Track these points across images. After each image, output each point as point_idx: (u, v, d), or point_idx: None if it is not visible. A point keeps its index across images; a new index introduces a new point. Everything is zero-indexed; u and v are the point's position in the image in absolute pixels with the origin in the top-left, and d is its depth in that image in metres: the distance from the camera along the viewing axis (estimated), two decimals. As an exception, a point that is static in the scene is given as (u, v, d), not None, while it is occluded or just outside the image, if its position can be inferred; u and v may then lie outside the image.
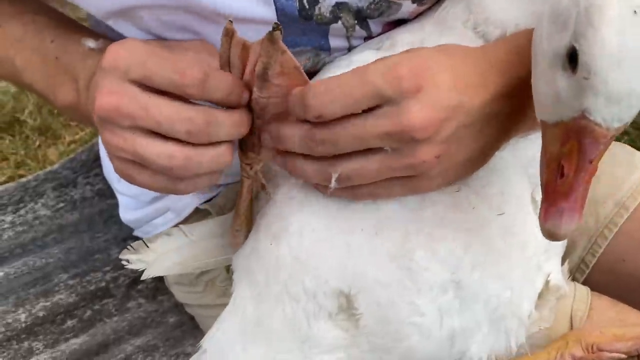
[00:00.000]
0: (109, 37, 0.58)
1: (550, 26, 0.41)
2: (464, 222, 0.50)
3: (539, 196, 0.53)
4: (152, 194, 0.73)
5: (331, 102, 0.44)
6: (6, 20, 0.59)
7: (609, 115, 0.39)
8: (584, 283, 0.69)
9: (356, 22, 0.57)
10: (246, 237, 0.54)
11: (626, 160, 0.70)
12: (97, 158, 0.82)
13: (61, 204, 0.82)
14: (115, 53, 0.45)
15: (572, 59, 0.39)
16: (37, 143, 1.51)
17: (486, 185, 0.51)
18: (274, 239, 0.51)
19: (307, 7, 0.55)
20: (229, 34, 0.46)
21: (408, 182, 0.47)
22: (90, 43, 0.55)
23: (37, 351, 0.74)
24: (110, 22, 0.57)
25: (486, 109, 0.46)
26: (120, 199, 0.77)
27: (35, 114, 1.56)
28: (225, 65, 0.48)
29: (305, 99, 0.44)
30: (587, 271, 0.69)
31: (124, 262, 0.54)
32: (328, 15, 0.56)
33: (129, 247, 0.56)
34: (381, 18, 0.58)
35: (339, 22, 0.56)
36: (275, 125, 0.48)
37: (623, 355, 0.50)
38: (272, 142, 0.48)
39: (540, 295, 0.53)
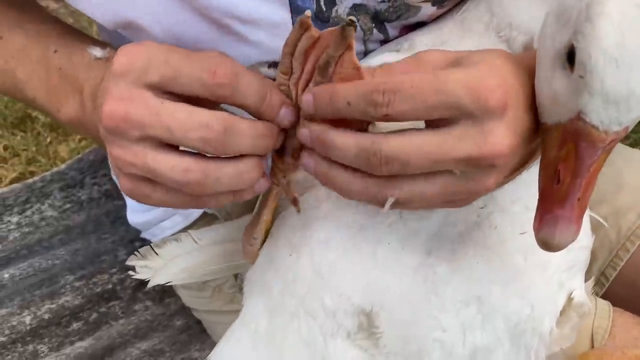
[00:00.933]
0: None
1: (555, 24, 0.39)
2: (485, 239, 0.48)
3: None
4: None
5: (401, 101, 0.39)
6: (9, 29, 0.56)
7: (606, 117, 0.36)
8: (604, 297, 0.67)
9: (374, 25, 0.55)
10: (261, 246, 0.53)
11: None
12: (105, 158, 0.81)
13: (68, 205, 0.81)
14: (130, 53, 0.41)
15: (570, 57, 0.37)
16: (49, 139, 1.51)
17: (513, 201, 0.49)
18: (295, 250, 0.49)
19: (324, 9, 0.53)
20: (303, 26, 0.42)
21: (454, 203, 0.43)
22: (97, 52, 0.51)
23: (42, 354, 0.73)
24: (120, 31, 0.54)
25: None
26: (128, 201, 0.75)
27: (46, 111, 1.55)
28: (288, 54, 0.43)
29: (372, 93, 0.39)
30: (607, 284, 0.67)
31: (130, 272, 0.53)
32: (345, 17, 0.54)
33: (136, 253, 0.54)
34: (399, 21, 0.56)
35: (357, 24, 0.54)
36: (325, 128, 0.42)
37: None
38: (313, 144, 0.43)
39: (563, 313, 0.52)
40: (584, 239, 0.52)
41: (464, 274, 0.47)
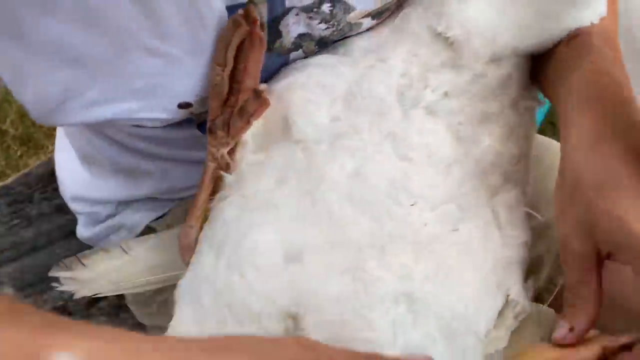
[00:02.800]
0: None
1: None
2: (415, 236, 0.47)
3: (500, 207, 0.50)
4: (106, 212, 0.71)
5: None
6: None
7: None
8: (554, 304, 0.66)
9: (317, 47, 0.55)
10: (197, 239, 0.51)
11: None
12: (54, 172, 0.80)
13: (16, 220, 0.79)
14: None
15: None
16: (19, 153, 1.50)
17: (444, 199, 0.49)
18: (222, 255, 0.48)
19: (267, 39, 0.52)
20: (236, 23, 0.48)
21: None
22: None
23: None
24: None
25: None
26: (77, 216, 0.74)
27: (17, 124, 1.54)
28: (222, 48, 0.48)
29: None
30: (556, 290, 0.66)
31: (53, 284, 0.51)
32: (290, 46, 0.54)
33: (60, 263, 0.53)
34: (342, 39, 0.56)
35: (300, 50, 0.55)
36: None
37: None
38: None
39: (500, 314, 0.50)
40: (522, 234, 0.51)
41: (394, 272, 0.46)
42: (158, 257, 0.55)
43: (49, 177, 0.81)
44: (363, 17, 0.55)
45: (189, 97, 0.51)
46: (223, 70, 0.49)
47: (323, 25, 0.53)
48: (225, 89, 0.50)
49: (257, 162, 0.50)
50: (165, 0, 0.46)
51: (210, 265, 0.48)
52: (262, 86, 0.51)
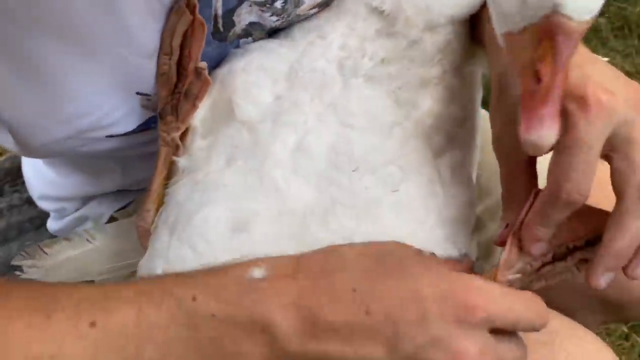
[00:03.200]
0: None
1: None
2: (354, 200, 0.49)
3: (443, 167, 0.52)
4: (72, 207, 0.72)
5: None
6: (103, 308, 0.42)
7: (579, 6, 0.38)
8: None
9: (267, 36, 0.57)
10: (153, 221, 0.52)
11: None
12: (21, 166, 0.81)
13: (-14, 214, 0.80)
14: (484, 305, 0.42)
15: None
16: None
17: (385, 162, 0.50)
18: (172, 230, 0.50)
19: (221, 30, 0.54)
20: (179, 12, 0.50)
21: None
22: (256, 272, 0.43)
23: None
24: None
25: None
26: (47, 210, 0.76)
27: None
28: (168, 38, 0.51)
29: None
30: None
31: (17, 272, 0.53)
32: (240, 33, 0.55)
33: (22, 253, 0.54)
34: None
35: (250, 37, 0.56)
36: None
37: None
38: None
39: None
40: (466, 194, 0.53)
41: (337, 234, 0.48)
42: (120, 244, 0.57)
43: (17, 171, 0.81)
44: (311, 9, 0.56)
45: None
46: (170, 59, 0.51)
47: (274, 18, 0.55)
48: (174, 76, 0.52)
49: (206, 145, 0.51)
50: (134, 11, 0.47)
51: (164, 242, 0.49)
52: (202, 64, 0.53)
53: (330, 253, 0.45)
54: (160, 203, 0.52)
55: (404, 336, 0.41)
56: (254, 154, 0.50)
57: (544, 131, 0.38)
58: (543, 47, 0.39)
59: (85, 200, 0.72)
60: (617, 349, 1.14)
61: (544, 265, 0.47)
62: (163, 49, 0.51)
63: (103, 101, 0.51)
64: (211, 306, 0.41)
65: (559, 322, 0.57)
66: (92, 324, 0.41)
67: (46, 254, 0.55)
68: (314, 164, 0.49)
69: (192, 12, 0.50)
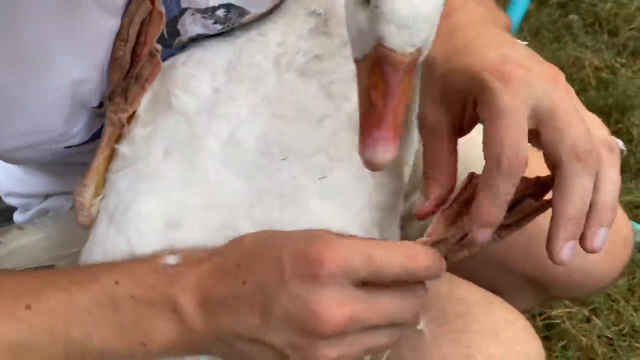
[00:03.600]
0: None
1: None
2: (282, 190, 0.52)
3: None
4: (37, 202, 0.75)
5: None
6: (35, 293, 0.47)
7: (401, 40, 0.40)
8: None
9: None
10: (89, 204, 0.55)
11: None
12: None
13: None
14: (331, 259, 0.43)
15: None
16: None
17: (314, 151, 0.53)
18: (111, 219, 0.52)
19: (166, 37, 0.57)
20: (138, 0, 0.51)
21: None
22: (170, 259, 0.48)
23: None
24: None
25: None
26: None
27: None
28: (126, 25, 0.53)
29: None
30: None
31: (-30, 259, 0.56)
32: (186, 41, 0.58)
33: (-25, 242, 0.57)
34: None
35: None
36: None
37: None
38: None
39: None
40: (396, 183, 0.55)
41: (261, 225, 0.50)
42: (70, 232, 0.60)
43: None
44: (253, 17, 0.59)
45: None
46: (125, 46, 0.53)
47: (218, 26, 0.58)
48: (127, 62, 0.54)
49: (147, 134, 0.54)
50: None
51: (103, 231, 0.53)
52: (156, 46, 0.55)
53: (236, 240, 0.47)
54: (100, 182, 0.55)
55: (271, 300, 0.43)
56: (189, 146, 0.52)
57: (378, 152, 0.41)
58: (374, 75, 0.42)
59: (49, 196, 0.75)
60: (578, 331, 1.17)
61: (466, 234, 0.48)
62: (120, 35, 0.53)
63: (59, 120, 0.54)
64: (130, 289, 0.46)
65: (475, 294, 0.60)
66: (28, 307, 0.46)
67: (0, 242, 0.58)
68: (246, 154, 0.52)
69: (152, 2, 0.52)
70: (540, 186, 0.48)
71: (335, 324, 0.42)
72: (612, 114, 1.46)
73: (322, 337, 0.43)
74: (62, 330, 0.46)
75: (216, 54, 0.57)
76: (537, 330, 1.16)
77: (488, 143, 0.44)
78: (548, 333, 1.19)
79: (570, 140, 0.44)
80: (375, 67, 0.42)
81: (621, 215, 0.70)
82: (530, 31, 1.62)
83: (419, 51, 0.41)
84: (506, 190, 0.44)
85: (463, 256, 0.48)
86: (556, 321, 1.19)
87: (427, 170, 0.50)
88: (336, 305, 0.42)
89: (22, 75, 0.50)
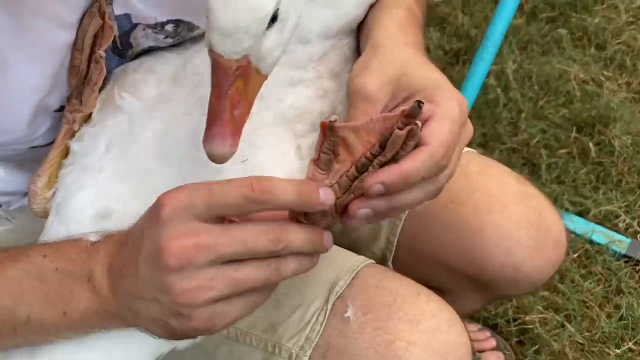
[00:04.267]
0: None
1: None
2: (206, 174, 0.55)
3: (303, 145, 0.60)
4: (18, 199, 0.81)
5: None
6: None
7: (226, 47, 0.46)
8: (394, 264, 0.75)
9: None
10: (42, 192, 0.61)
11: None
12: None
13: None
14: (171, 199, 0.46)
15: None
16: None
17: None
18: (57, 211, 0.59)
19: (120, 48, 0.63)
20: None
21: None
22: (92, 237, 0.53)
23: None
24: None
25: None
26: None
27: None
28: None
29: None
30: (393, 249, 0.75)
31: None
32: (139, 52, 0.64)
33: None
34: None
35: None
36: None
37: None
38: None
39: None
40: None
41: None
42: (36, 224, 0.66)
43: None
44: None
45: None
46: (81, 55, 0.60)
47: (169, 40, 0.64)
48: (84, 70, 0.61)
49: (94, 132, 0.61)
50: None
51: (50, 222, 0.59)
52: (101, 53, 0.61)
53: (143, 218, 0.52)
54: (54, 174, 0.61)
55: (138, 253, 0.48)
56: (127, 140, 0.59)
57: (214, 146, 0.47)
58: (213, 76, 0.47)
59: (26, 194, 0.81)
60: (551, 337, 1.20)
61: (353, 180, 0.51)
62: (76, 45, 0.60)
63: (21, 123, 0.60)
64: (56, 262, 0.52)
65: (403, 287, 0.64)
66: None
67: (-31, 232, 0.65)
68: (175, 147, 0.58)
69: (102, 17, 0.58)
70: (405, 118, 0.51)
71: (178, 253, 0.45)
72: (595, 126, 1.49)
73: (172, 269, 0.45)
74: None
75: (165, 63, 0.63)
76: (511, 335, 1.21)
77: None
78: (522, 337, 1.22)
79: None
80: (212, 69, 0.47)
81: (550, 215, 0.74)
82: (519, 44, 1.65)
83: (246, 59, 0.47)
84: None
85: (351, 199, 0.51)
86: (530, 326, 1.22)
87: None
88: (177, 236, 0.45)
89: None
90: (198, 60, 0.62)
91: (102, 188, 0.58)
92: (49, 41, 0.58)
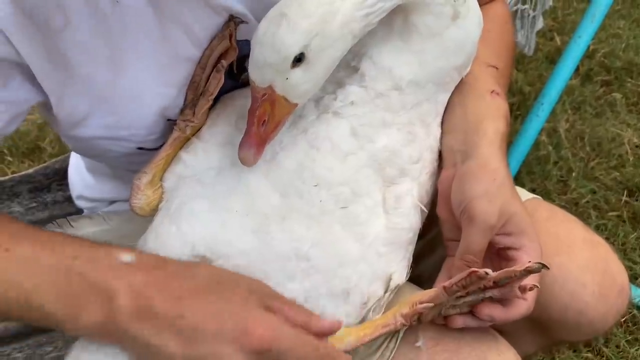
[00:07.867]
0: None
1: None
2: (310, 210, 0.62)
3: (389, 195, 0.64)
4: (104, 206, 0.87)
5: None
6: (18, 241, 0.58)
7: (254, 76, 0.59)
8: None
9: None
10: (145, 188, 0.66)
11: None
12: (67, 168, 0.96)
13: (34, 204, 0.95)
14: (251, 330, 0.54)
15: None
16: (54, 168, 1.68)
17: (340, 182, 0.63)
18: (170, 214, 0.64)
19: (235, 72, 0.70)
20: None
21: None
22: (126, 257, 0.56)
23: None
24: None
25: None
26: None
27: (55, 143, 1.73)
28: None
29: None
30: None
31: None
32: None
33: (54, 222, 0.69)
34: None
35: None
36: None
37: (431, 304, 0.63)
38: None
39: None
40: (406, 222, 0.65)
41: (290, 237, 0.61)
42: (129, 227, 0.71)
43: (64, 172, 0.97)
44: None
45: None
46: (203, 73, 0.67)
47: None
48: (202, 86, 0.68)
49: (207, 148, 0.66)
50: None
51: (160, 221, 0.64)
52: (222, 62, 0.68)
53: (192, 265, 0.57)
54: (158, 174, 0.67)
55: (198, 345, 0.53)
56: (238, 162, 0.62)
57: (242, 152, 0.59)
58: (251, 98, 0.60)
59: (114, 202, 0.87)
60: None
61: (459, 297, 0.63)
62: (200, 63, 0.67)
63: (144, 123, 0.66)
64: (83, 267, 0.55)
65: None
66: (7, 250, 0.57)
67: (72, 226, 0.70)
68: (283, 173, 0.63)
69: (230, 40, 0.67)
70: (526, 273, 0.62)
71: (267, 340, 0.54)
72: (646, 190, 1.50)
73: (255, 351, 0.54)
74: (19, 278, 0.55)
75: None
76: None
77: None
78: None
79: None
80: (251, 92, 0.59)
81: (616, 264, 0.76)
82: (572, 105, 1.69)
83: (271, 88, 0.58)
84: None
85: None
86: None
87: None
88: (260, 325, 0.55)
89: (116, 79, 0.63)
90: None
91: (217, 201, 0.63)
92: (181, 53, 0.65)
